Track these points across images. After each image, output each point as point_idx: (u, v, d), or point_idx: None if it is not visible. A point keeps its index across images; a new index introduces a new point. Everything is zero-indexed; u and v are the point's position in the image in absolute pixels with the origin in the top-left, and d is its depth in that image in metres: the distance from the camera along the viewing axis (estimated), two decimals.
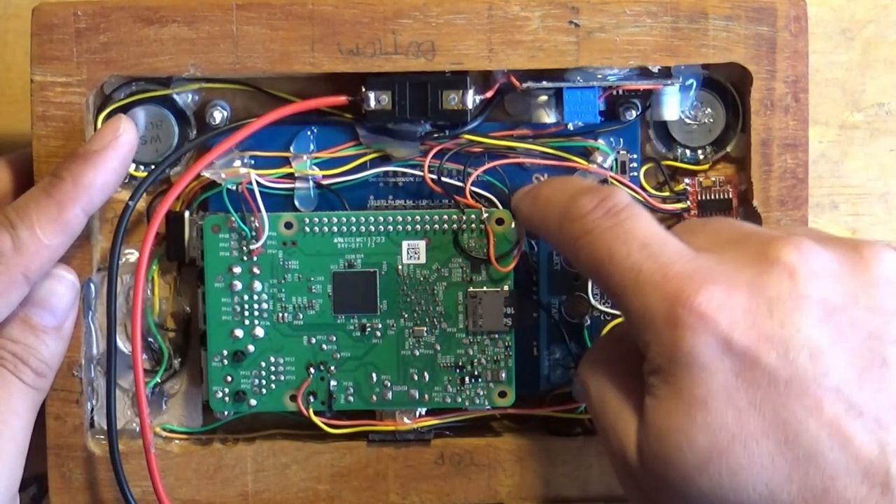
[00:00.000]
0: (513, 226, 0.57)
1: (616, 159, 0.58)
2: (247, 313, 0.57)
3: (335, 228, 0.57)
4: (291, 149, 0.57)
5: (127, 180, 0.57)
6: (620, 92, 0.57)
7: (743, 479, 0.43)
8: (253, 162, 0.57)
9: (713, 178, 0.58)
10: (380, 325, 0.57)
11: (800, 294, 0.44)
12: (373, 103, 0.56)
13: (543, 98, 0.57)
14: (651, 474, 0.45)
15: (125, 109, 0.57)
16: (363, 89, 0.55)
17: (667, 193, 0.58)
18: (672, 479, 0.44)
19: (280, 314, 0.57)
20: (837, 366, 0.43)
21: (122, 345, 0.57)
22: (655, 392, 0.45)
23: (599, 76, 0.57)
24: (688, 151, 0.59)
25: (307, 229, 0.57)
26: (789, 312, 0.44)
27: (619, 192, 0.49)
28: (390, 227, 0.57)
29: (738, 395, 0.43)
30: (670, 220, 0.59)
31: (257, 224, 0.56)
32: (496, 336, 0.57)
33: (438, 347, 0.58)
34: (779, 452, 0.43)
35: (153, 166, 0.57)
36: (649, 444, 0.45)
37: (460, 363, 0.58)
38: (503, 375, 0.58)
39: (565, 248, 0.49)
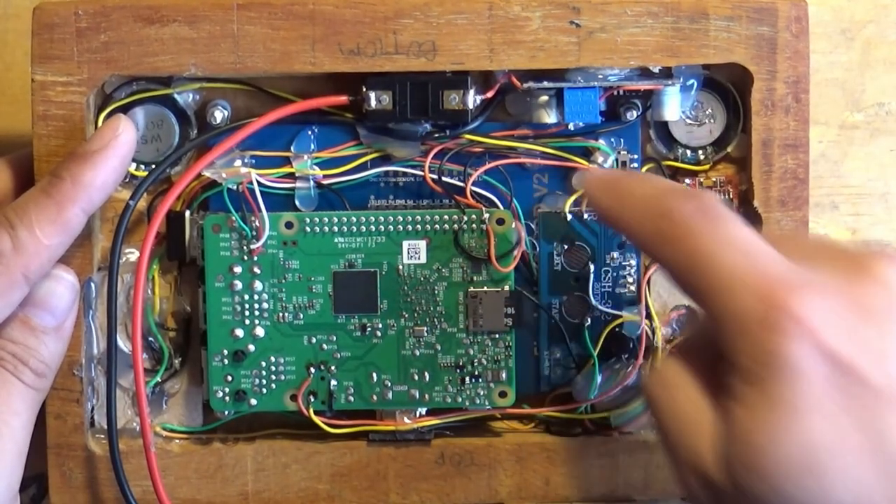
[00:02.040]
0: (513, 226, 0.57)
1: (617, 159, 0.58)
2: (247, 313, 0.57)
3: (336, 228, 0.57)
4: (292, 148, 0.57)
5: (127, 180, 0.57)
6: (621, 92, 0.57)
7: (833, 490, 0.42)
8: (254, 161, 0.57)
9: (714, 179, 0.58)
10: (380, 325, 0.57)
11: None
12: (373, 103, 0.55)
13: (544, 98, 0.57)
14: (736, 485, 0.44)
15: (126, 109, 0.57)
16: (364, 89, 0.55)
17: None
18: (760, 490, 0.43)
19: (280, 314, 0.57)
20: None
21: (123, 344, 0.57)
22: (744, 399, 0.44)
23: (600, 76, 0.57)
24: (688, 152, 0.59)
25: (308, 229, 0.57)
26: (886, 324, 0.43)
27: (713, 193, 0.48)
28: (391, 227, 0.57)
29: (833, 404, 0.42)
30: None
31: (258, 224, 0.56)
32: (496, 336, 0.57)
33: (439, 347, 0.58)
34: (874, 467, 0.42)
35: (154, 166, 0.56)
36: (737, 454, 0.44)
37: (461, 363, 0.58)
38: (503, 375, 0.58)
39: (655, 247, 0.48)
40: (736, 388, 0.44)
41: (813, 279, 0.44)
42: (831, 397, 0.42)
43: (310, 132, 0.57)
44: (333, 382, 0.58)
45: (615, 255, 0.58)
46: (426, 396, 0.58)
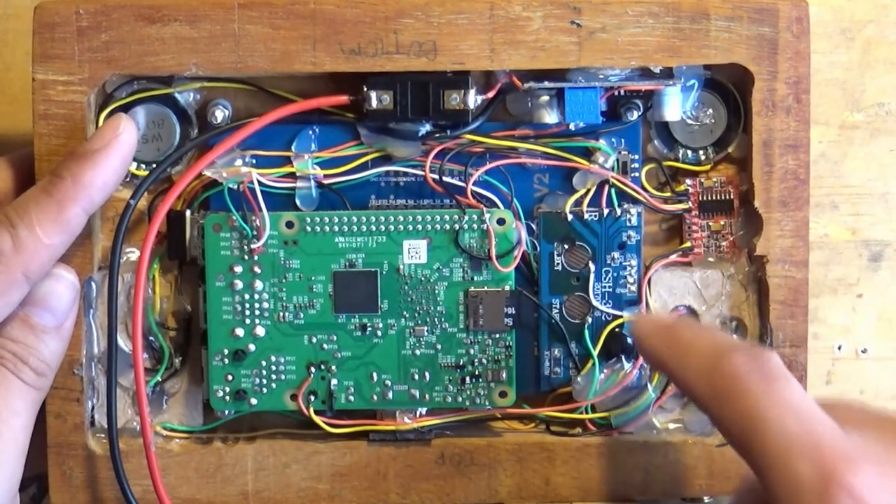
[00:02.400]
0: (513, 226, 0.57)
1: (617, 160, 0.58)
2: (248, 312, 0.57)
3: (336, 228, 0.57)
4: (293, 148, 0.57)
5: (128, 179, 0.57)
6: (622, 92, 0.57)
7: None
8: (254, 161, 0.57)
9: (714, 179, 0.58)
10: (380, 325, 0.57)
11: None
12: (374, 103, 0.55)
13: (545, 98, 0.57)
14: None
15: (127, 108, 0.57)
16: (365, 89, 0.55)
17: (668, 194, 0.58)
18: None
19: (281, 313, 0.57)
20: None
21: (123, 343, 0.57)
22: None
23: (601, 76, 0.57)
24: (689, 152, 0.59)
25: (308, 228, 0.57)
26: None
27: (775, 355, 0.47)
28: (391, 227, 0.57)
29: None
30: (671, 221, 0.59)
31: (258, 223, 0.56)
32: (497, 336, 0.57)
33: (439, 347, 0.58)
34: None
35: (154, 165, 0.56)
36: None
37: (461, 363, 0.58)
38: (504, 375, 0.58)
39: (709, 403, 0.47)
40: None
41: (868, 452, 0.44)
42: None
43: (311, 132, 0.57)
44: (334, 382, 0.58)
45: (616, 255, 0.58)
46: (426, 396, 0.58)
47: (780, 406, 0.45)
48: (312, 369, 0.58)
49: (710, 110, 0.58)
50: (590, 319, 0.58)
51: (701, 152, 0.59)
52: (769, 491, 0.45)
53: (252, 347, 0.57)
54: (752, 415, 0.45)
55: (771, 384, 0.46)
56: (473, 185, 0.57)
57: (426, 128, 0.57)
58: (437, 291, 0.57)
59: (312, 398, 0.58)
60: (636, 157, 0.58)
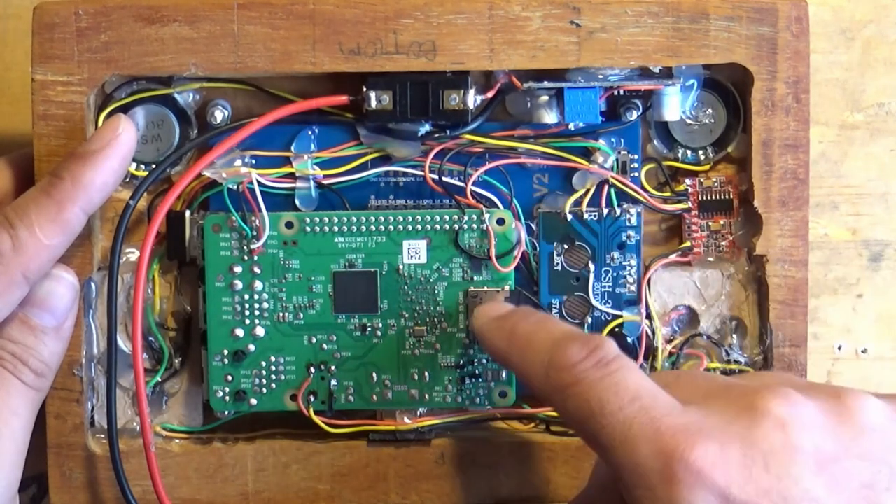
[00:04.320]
0: (513, 226, 0.57)
1: (617, 159, 0.58)
2: (247, 313, 0.57)
3: (336, 228, 0.57)
4: (292, 148, 0.57)
5: (128, 179, 0.57)
6: (621, 92, 0.57)
7: None
8: (254, 161, 0.57)
9: (714, 179, 0.58)
10: (380, 325, 0.57)
11: (793, 446, 0.44)
12: (374, 103, 0.55)
13: (544, 98, 0.57)
14: None
15: (126, 109, 0.57)
16: (364, 89, 0.55)
17: (668, 194, 0.58)
18: None
19: (281, 314, 0.57)
20: None
21: (123, 344, 0.57)
22: None
23: (600, 76, 0.57)
24: (689, 152, 0.59)
25: (308, 229, 0.57)
26: (785, 465, 0.43)
27: (609, 341, 0.48)
28: (391, 227, 0.57)
29: None
30: (671, 220, 0.59)
31: (258, 223, 0.56)
32: None
33: (439, 347, 0.58)
34: None
35: (154, 165, 0.56)
36: None
37: (461, 363, 0.58)
38: (503, 375, 0.58)
39: (551, 396, 0.48)
40: None
41: (707, 424, 0.44)
42: None
43: (310, 132, 0.57)
44: (333, 382, 0.58)
45: (615, 255, 0.58)
46: (426, 396, 0.58)
47: (617, 392, 0.45)
48: (312, 369, 0.58)
49: (710, 110, 0.58)
50: (589, 319, 0.58)
51: (700, 152, 0.59)
52: (617, 476, 0.45)
53: (252, 348, 0.57)
54: (592, 404, 0.45)
55: (606, 370, 0.46)
56: (473, 185, 0.57)
57: (426, 128, 0.57)
58: (436, 291, 0.57)
59: (312, 398, 0.58)
60: (636, 156, 0.58)
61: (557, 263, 0.58)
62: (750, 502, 0.43)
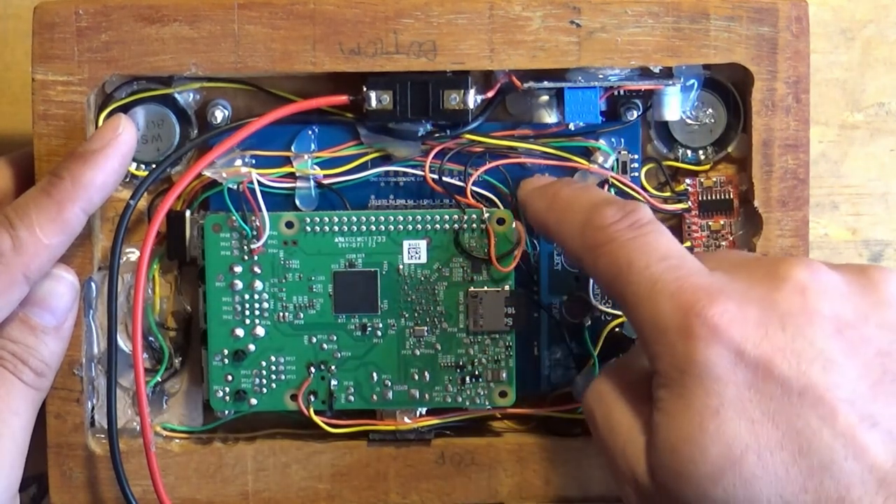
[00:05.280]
0: (513, 226, 0.57)
1: (617, 159, 0.58)
2: (247, 312, 0.57)
3: (336, 228, 0.57)
4: (292, 148, 0.57)
5: (128, 179, 0.57)
6: (622, 92, 0.57)
7: (757, 489, 0.43)
8: (254, 161, 0.57)
9: (714, 179, 0.58)
10: (380, 325, 0.57)
11: (812, 309, 0.45)
12: (374, 103, 0.55)
13: (544, 98, 0.57)
14: (664, 491, 0.45)
15: (126, 108, 0.57)
16: (364, 89, 0.55)
17: (668, 194, 0.58)
18: (686, 493, 0.44)
19: (281, 313, 0.57)
20: (850, 378, 0.44)
21: (123, 344, 0.57)
22: (665, 406, 0.45)
23: (601, 76, 0.57)
24: (689, 152, 0.59)
25: (308, 229, 0.57)
26: (801, 326, 0.44)
27: (644, 206, 0.49)
28: (391, 227, 0.57)
29: (751, 406, 0.43)
30: (671, 220, 0.59)
31: (258, 223, 0.56)
32: (497, 336, 0.57)
33: (439, 347, 0.58)
34: (793, 462, 0.43)
35: (154, 165, 0.56)
36: (661, 459, 0.45)
37: (461, 363, 0.58)
38: (504, 375, 0.58)
39: (583, 255, 0.50)
40: (658, 396, 0.46)
41: (729, 286, 0.45)
42: (747, 398, 0.44)
43: (310, 132, 0.57)
44: (334, 382, 0.58)
45: None
46: (426, 396, 0.58)
47: (646, 252, 0.47)
48: (312, 369, 0.58)
49: (710, 110, 0.58)
50: (589, 319, 0.58)
51: (700, 152, 0.59)
52: (637, 332, 0.46)
53: (252, 348, 0.57)
54: (621, 261, 0.47)
55: (639, 231, 0.48)
56: (473, 184, 0.57)
57: (426, 128, 0.57)
58: (436, 291, 0.57)
59: (312, 398, 0.58)
60: (636, 156, 0.58)
61: (557, 263, 0.58)
62: (763, 358, 0.44)
